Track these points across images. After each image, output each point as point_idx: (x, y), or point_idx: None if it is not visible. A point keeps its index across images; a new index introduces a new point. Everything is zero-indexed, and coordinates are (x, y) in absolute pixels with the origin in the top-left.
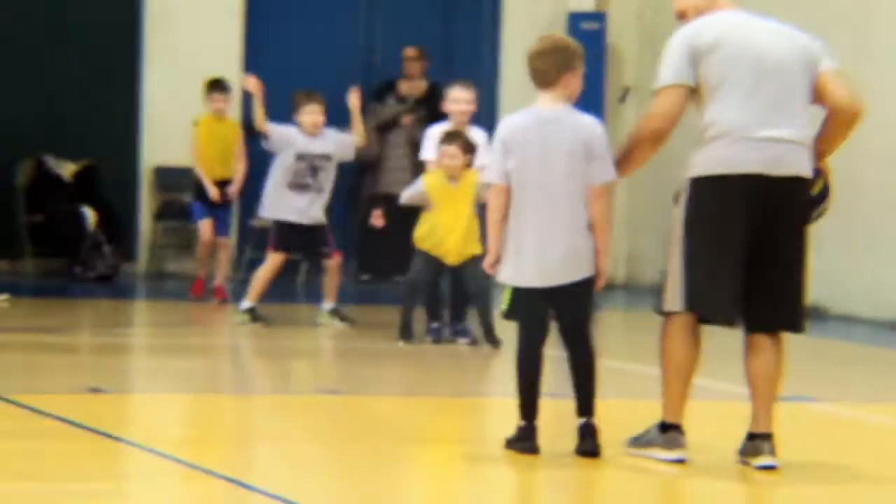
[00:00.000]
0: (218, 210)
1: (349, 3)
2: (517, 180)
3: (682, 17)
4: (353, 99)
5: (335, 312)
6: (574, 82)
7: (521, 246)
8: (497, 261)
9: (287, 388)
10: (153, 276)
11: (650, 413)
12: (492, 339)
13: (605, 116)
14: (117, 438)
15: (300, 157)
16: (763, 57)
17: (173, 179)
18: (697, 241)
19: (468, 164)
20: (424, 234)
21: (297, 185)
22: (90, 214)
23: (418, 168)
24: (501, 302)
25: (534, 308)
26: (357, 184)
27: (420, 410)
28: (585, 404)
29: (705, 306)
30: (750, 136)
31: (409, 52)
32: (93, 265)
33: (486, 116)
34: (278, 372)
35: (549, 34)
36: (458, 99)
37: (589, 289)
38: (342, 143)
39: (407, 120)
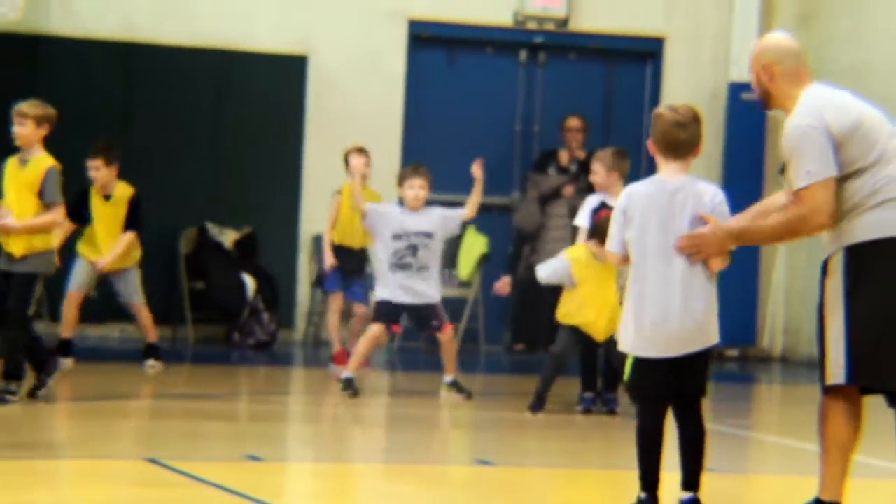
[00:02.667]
0: (353, 278)
1: (509, 72)
2: (637, 249)
3: (768, 98)
4: (477, 170)
5: (454, 385)
6: (698, 153)
7: (641, 315)
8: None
9: (444, 458)
10: (310, 343)
11: (808, 490)
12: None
13: (765, 187)
14: None
15: (396, 236)
16: (883, 119)
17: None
18: (862, 309)
19: None
20: (572, 312)
21: (399, 266)
22: (250, 282)
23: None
24: (625, 373)
25: (653, 379)
26: (516, 253)
27: (571, 482)
28: (692, 479)
29: (877, 375)
30: None
31: (573, 122)
32: (251, 332)
33: None
34: (432, 441)
35: (682, 104)
36: (595, 170)
37: (707, 361)
38: (447, 220)
39: (568, 191)
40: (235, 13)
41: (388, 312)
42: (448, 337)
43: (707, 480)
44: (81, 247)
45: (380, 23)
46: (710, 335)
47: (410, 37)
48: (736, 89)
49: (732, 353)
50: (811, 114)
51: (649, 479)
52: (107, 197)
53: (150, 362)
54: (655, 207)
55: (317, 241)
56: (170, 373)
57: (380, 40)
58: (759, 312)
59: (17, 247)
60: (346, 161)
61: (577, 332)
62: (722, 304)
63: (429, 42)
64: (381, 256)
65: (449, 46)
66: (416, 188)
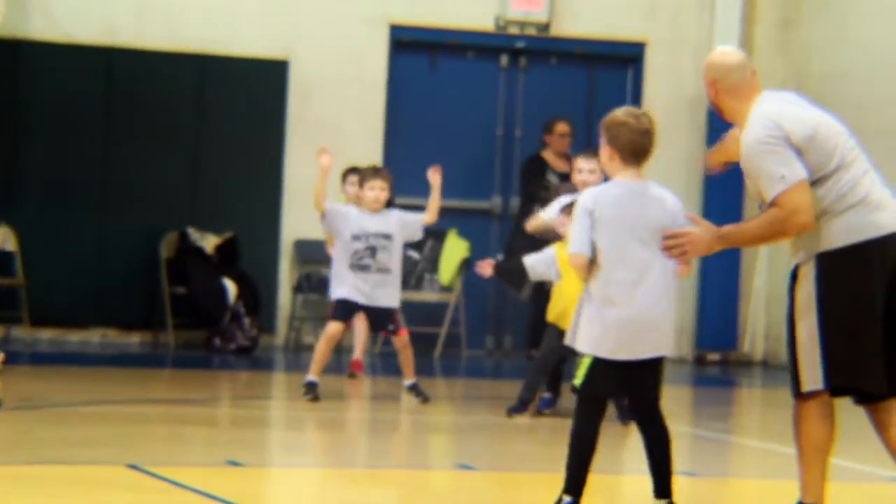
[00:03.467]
0: None
1: (490, 77)
2: (605, 251)
3: (720, 113)
4: (435, 176)
5: (413, 388)
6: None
7: (608, 317)
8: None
9: (425, 463)
10: (291, 348)
11: (788, 494)
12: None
13: (746, 194)
14: None
15: (355, 236)
16: (837, 124)
17: (313, 253)
18: (836, 314)
19: None
20: (551, 306)
21: (358, 266)
22: (231, 287)
23: None
24: (576, 375)
25: (610, 381)
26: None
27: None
28: (664, 485)
29: (853, 378)
30: (884, 199)
31: (562, 126)
32: (232, 337)
33: None
34: (414, 445)
35: (641, 111)
36: (582, 168)
37: (663, 366)
38: (407, 223)
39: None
40: (216, 18)
41: (345, 311)
42: (403, 342)
43: (687, 485)
44: None
45: (361, 27)
46: (671, 340)
47: (392, 41)
48: None
49: (714, 356)
50: (768, 126)
51: (580, 484)
52: None
53: None
54: (624, 210)
55: (298, 245)
56: (150, 378)
57: (361, 45)
58: (740, 317)
59: None
60: (343, 181)
61: (562, 333)
62: (703, 309)
63: (410, 47)
64: (339, 256)
65: (430, 51)
66: (377, 189)
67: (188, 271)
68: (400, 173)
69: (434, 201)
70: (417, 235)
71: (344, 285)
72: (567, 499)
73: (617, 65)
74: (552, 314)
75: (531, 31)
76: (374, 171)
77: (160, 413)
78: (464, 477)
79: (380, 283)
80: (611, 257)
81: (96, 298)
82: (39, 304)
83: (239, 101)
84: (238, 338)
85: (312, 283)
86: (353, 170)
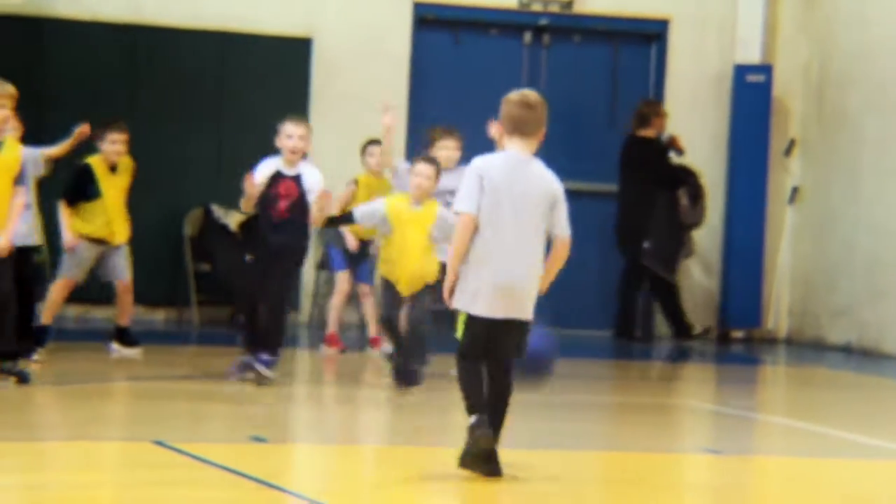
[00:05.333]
0: (358, 260)
1: (513, 54)
2: (486, 214)
3: None
4: (387, 118)
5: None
6: (542, 137)
7: (483, 278)
8: (453, 290)
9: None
10: (315, 325)
11: (814, 471)
12: (410, 380)
13: (770, 168)
14: (278, 488)
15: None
16: None
17: (336, 229)
18: None
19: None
20: (383, 260)
21: None
22: None
23: None
24: (456, 329)
25: (484, 336)
26: (633, 243)
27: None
28: (497, 429)
29: None
30: None
31: (663, 108)
32: None
33: None
34: (444, 424)
35: (527, 90)
36: (292, 134)
37: (527, 328)
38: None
39: None
40: None
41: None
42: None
43: (712, 462)
44: (84, 225)
45: (384, 4)
46: (532, 306)
47: (415, 18)
48: (741, 71)
49: (738, 334)
50: None
51: (479, 403)
52: (112, 169)
53: (118, 346)
54: (507, 177)
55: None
56: (175, 354)
57: (384, 22)
58: (764, 294)
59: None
60: (364, 152)
61: (393, 288)
62: (728, 286)
63: (433, 24)
64: None
65: (453, 28)
66: (450, 149)
67: (212, 248)
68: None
69: (387, 144)
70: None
71: None
72: (475, 418)
73: (640, 42)
74: (384, 268)
75: (554, 8)
76: (446, 131)
77: (185, 390)
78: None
79: None
80: (490, 220)
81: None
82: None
83: (263, 79)
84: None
85: None
86: (373, 141)
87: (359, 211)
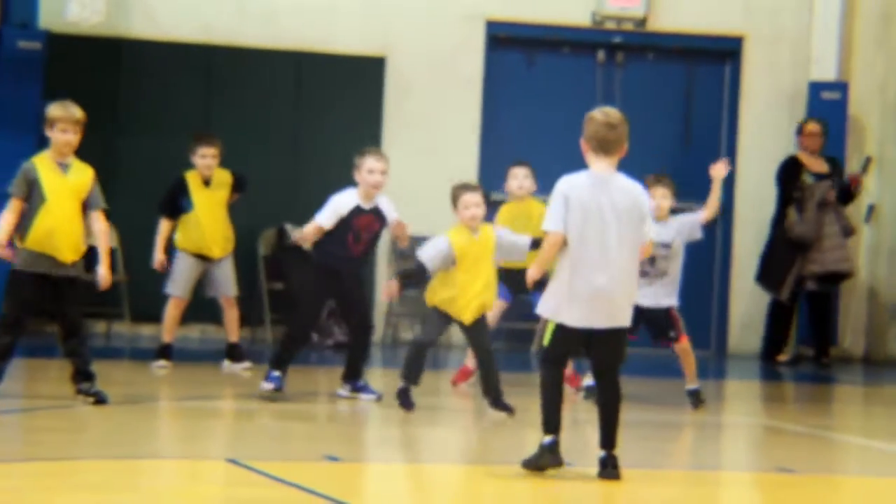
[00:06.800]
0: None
1: (587, 73)
2: (573, 230)
3: None
4: (719, 169)
5: (694, 393)
6: (623, 153)
7: (572, 288)
8: (537, 278)
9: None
10: (388, 344)
11: (889, 492)
12: (501, 405)
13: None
14: None
15: None
16: None
17: (410, 248)
18: None
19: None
20: (437, 290)
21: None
22: None
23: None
24: (543, 338)
25: (570, 345)
26: (786, 264)
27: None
28: (610, 438)
29: None
30: None
31: (812, 126)
32: (330, 333)
33: (727, 185)
34: (522, 442)
35: (609, 108)
36: (374, 169)
37: (625, 336)
38: (684, 225)
39: (831, 195)
40: (314, 15)
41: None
42: (683, 347)
43: (787, 481)
44: (183, 240)
45: (457, 24)
46: (629, 314)
47: (488, 38)
48: (816, 88)
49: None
50: None
51: (554, 424)
52: (206, 183)
53: (228, 363)
54: (592, 195)
55: (395, 241)
56: (248, 372)
57: (457, 41)
58: (840, 313)
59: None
60: (508, 175)
61: (447, 318)
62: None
63: (506, 43)
64: None
65: (526, 47)
66: (658, 198)
67: (286, 267)
68: (496, 170)
69: (714, 197)
70: (697, 235)
71: None
72: (548, 439)
73: (715, 59)
74: (437, 298)
75: (628, 26)
76: (657, 179)
77: (259, 408)
78: (565, 473)
79: (658, 285)
80: (579, 236)
81: (195, 295)
82: (140, 301)
83: (337, 99)
84: (335, 333)
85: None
86: (520, 163)
87: (426, 257)
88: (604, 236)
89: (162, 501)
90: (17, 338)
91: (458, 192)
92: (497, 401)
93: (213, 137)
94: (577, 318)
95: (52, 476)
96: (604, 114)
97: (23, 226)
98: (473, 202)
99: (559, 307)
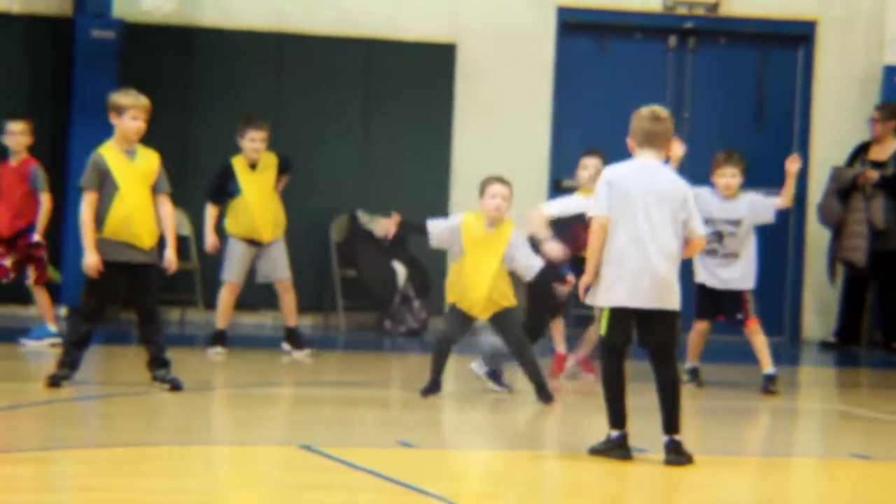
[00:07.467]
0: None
1: (658, 58)
2: (618, 216)
3: None
4: (792, 164)
5: (770, 380)
6: (669, 149)
7: (619, 269)
8: (589, 287)
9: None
10: None
11: None
12: (545, 395)
13: None
14: (426, 493)
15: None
16: None
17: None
18: None
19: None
20: (451, 285)
21: (706, 252)
22: (400, 270)
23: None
24: (601, 326)
25: (626, 329)
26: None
27: None
28: (671, 422)
29: None
30: None
31: (874, 114)
32: (402, 320)
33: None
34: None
35: (656, 105)
36: (496, 194)
37: (677, 317)
38: (757, 206)
39: (870, 175)
40: (384, 3)
41: (703, 300)
42: (752, 329)
43: (862, 467)
44: (234, 225)
45: (528, 10)
46: (676, 298)
47: (559, 24)
48: (890, 72)
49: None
50: None
51: (621, 418)
52: (252, 166)
53: (290, 349)
54: (637, 182)
55: None
56: (322, 360)
57: (528, 28)
58: None
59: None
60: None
61: (465, 314)
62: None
63: (577, 29)
64: None
65: (598, 33)
66: (728, 177)
67: (358, 254)
68: (568, 157)
69: (789, 187)
70: (769, 219)
71: (699, 271)
72: (614, 432)
73: (788, 44)
74: (453, 294)
75: (700, 11)
76: (726, 158)
77: (332, 395)
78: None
79: (727, 266)
80: (625, 221)
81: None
82: (214, 288)
83: (407, 85)
84: (408, 320)
85: None
86: (591, 151)
87: (434, 221)
88: (648, 219)
89: (237, 487)
90: (95, 326)
91: (487, 181)
92: (541, 391)
93: (263, 121)
94: (624, 298)
95: (129, 462)
96: (650, 109)
97: (98, 217)
98: (501, 193)
99: (608, 290)
